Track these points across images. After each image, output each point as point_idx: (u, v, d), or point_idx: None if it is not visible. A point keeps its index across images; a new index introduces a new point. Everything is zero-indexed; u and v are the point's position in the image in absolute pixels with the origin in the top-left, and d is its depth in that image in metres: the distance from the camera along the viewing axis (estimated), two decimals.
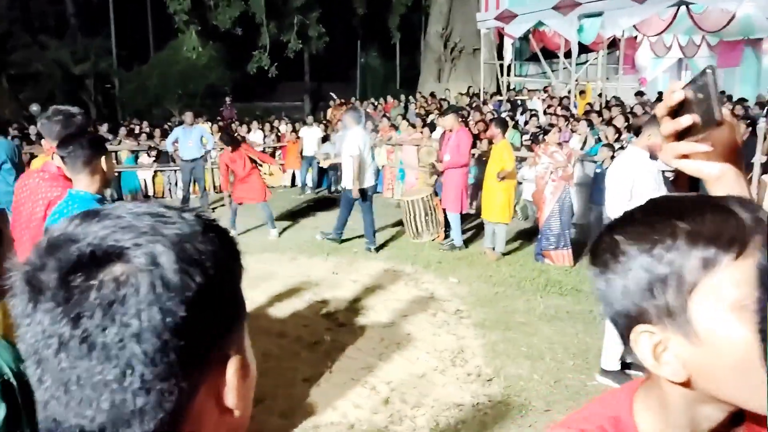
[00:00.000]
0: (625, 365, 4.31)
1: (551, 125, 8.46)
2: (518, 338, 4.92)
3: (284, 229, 8.75)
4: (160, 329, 0.51)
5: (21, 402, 1.45)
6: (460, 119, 8.18)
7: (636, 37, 15.92)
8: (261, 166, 8.64)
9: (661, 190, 3.96)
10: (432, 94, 17.59)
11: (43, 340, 0.52)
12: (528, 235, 8.28)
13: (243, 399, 0.59)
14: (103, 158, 2.61)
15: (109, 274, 0.51)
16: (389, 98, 17.76)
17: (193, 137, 10.37)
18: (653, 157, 3.96)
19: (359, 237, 8.29)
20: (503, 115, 11.73)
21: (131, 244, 0.53)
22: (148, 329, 0.51)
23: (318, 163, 12.09)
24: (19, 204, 3.12)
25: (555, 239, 6.98)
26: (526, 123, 11.26)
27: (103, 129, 13.59)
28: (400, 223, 8.58)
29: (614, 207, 3.96)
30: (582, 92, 14.15)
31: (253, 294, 5.93)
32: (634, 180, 3.93)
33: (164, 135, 12.44)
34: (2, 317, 2.08)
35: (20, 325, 0.53)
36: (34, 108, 18.82)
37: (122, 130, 13.19)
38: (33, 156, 10.37)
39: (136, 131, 13.48)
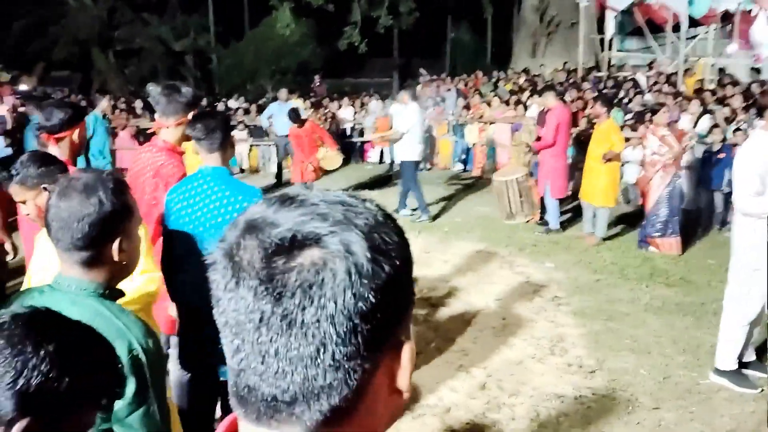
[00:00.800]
0: (742, 365, 3.98)
1: (659, 104, 7.90)
2: (622, 329, 4.65)
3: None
4: (352, 313, 0.54)
5: (149, 376, 1.45)
6: (559, 97, 7.78)
7: (751, 11, 14.64)
8: (322, 146, 8.63)
9: None
10: (525, 70, 17.00)
11: (245, 314, 0.56)
12: (630, 219, 7.85)
13: (409, 382, 0.63)
14: (233, 136, 2.71)
15: (309, 258, 0.55)
16: (479, 74, 17.31)
17: (286, 112, 10.51)
18: None
19: (450, 217, 8.18)
20: (604, 92, 11.13)
21: (328, 232, 0.56)
22: (342, 312, 0.54)
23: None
24: (136, 176, 3.21)
25: (662, 225, 6.54)
26: (630, 101, 10.63)
27: (202, 104, 14.08)
28: (491, 202, 8.34)
29: (744, 200, 3.60)
30: (687, 70, 13.20)
31: None
32: (766, 168, 3.54)
33: (260, 111, 12.73)
34: (144, 294, 2.13)
35: (221, 299, 0.58)
36: (151, 88, 19.83)
37: (220, 106, 13.61)
38: (139, 129, 10.93)
39: (232, 106, 13.87)
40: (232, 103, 14.85)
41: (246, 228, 0.58)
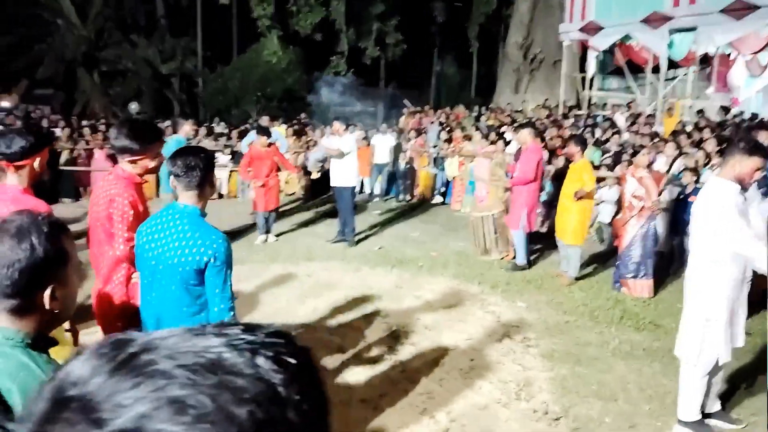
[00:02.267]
0: (705, 415, 3.95)
1: (639, 146, 8.01)
2: (589, 374, 4.61)
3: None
4: None
5: None
6: (536, 135, 7.84)
7: (729, 55, 15.02)
8: (279, 172, 8.60)
9: (751, 225, 3.57)
10: (505, 107, 17.21)
11: None
12: (602, 259, 7.88)
13: None
14: (213, 176, 2.65)
15: None
16: (461, 107, 17.50)
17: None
18: (744, 188, 3.58)
19: (426, 251, 8.15)
20: (583, 131, 11.27)
21: None
22: None
23: (387, 170, 12.02)
24: (94, 201, 3.17)
25: (635, 267, 6.56)
26: (606, 140, 10.76)
27: (186, 128, 14.02)
28: (467, 238, 8.34)
29: (698, 244, 3.60)
30: (669, 109, 13.43)
31: (316, 302, 5.88)
32: (720, 216, 3.53)
33: (241, 136, 12.70)
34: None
35: None
36: (133, 107, 19.75)
37: (202, 130, 13.56)
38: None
39: (216, 131, 13.83)
40: (218, 128, 14.81)
41: (56, 405, 0.41)
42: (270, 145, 8.48)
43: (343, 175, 8.32)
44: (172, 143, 7.46)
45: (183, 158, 2.56)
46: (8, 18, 20.14)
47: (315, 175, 9.67)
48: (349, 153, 8.20)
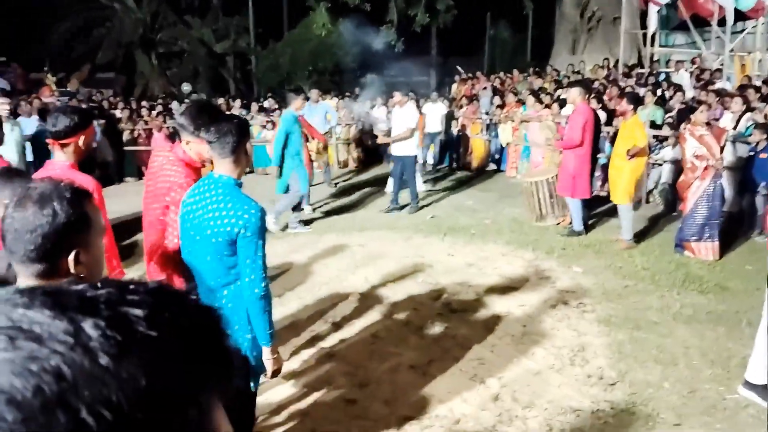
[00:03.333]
0: None
1: (700, 102, 7.57)
2: (649, 339, 4.44)
3: (402, 207, 8.61)
4: None
5: None
6: (587, 94, 7.47)
7: None
8: (310, 141, 8.54)
9: None
10: (564, 68, 16.61)
11: None
12: (666, 222, 7.56)
13: None
14: (247, 143, 2.63)
15: None
16: (515, 72, 16.98)
17: (318, 113, 10.53)
18: None
19: (479, 218, 8.04)
20: (644, 89, 10.75)
21: None
22: None
23: (440, 139, 11.86)
24: (149, 178, 3.24)
25: (699, 229, 6.25)
26: (670, 98, 10.24)
27: (236, 105, 14.25)
28: (522, 204, 8.15)
29: None
30: (743, 66, 12.63)
31: (366, 272, 5.89)
32: None
33: None
34: None
35: None
36: (186, 87, 20.19)
37: (254, 106, 13.74)
38: (175, 130, 11.11)
39: (267, 106, 13.97)
40: (267, 104, 14.96)
41: None
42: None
43: (405, 145, 8.34)
44: (287, 119, 7.59)
45: (216, 125, 2.56)
46: (67, 4, 20.82)
47: (382, 140, 9.42)
48: (415, 126, 8.26)
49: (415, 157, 8.50)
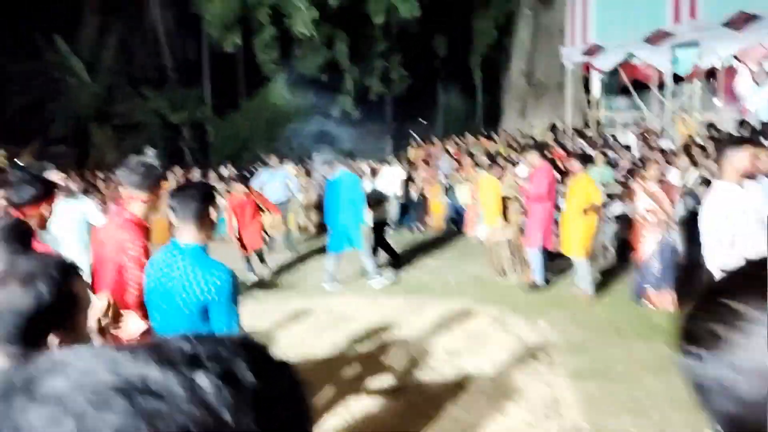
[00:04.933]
0: None
1: (647, 160, 7.95)
2: (619, 390, 4.47)
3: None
4: None
5: None
6: (542, 156, 7.78)
7: (735, 66, 15.02)
8: (264, 213, 8.71)
9: (764, 230, 3.45)
10: (513, 132, 17.24)
11: None
12: (623, 274, 7.74)
13: None
14: (211, 208, 2.59)
15: None
16: (468, 136, 17.55)
17: (277, 180, 10.59)
18: (752, 178, 3.48)
19: (443, 277, 8.07)
20: (594, 151, 11.22)
21: None
22: None
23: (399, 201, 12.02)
24: (99, 248, 3.16)
25: (656, 280, 6.44)
26: (619, 158, 10.70)
27: (196, 174, 14.21)
28: (484, 262, 8.24)
29: (714, 258, 3.46)
30: (683, 123, 13.36)
31: (334, 336, 5.80)
32: (733, 221, 3.41)
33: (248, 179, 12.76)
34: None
35: None
36: (150, 153, 20.04)
37: (212, 174, 13.71)
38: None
39: (225, 175, 13.96)
40: (224, 171, 14.96)
41: None
42: (248, 190, 8.61)
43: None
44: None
45: (179, 191, 2.53)
46: (20, 78, 20.69)
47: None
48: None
49: (386, 222, 8.48)
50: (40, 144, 20.36)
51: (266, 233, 9.07)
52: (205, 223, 2.54)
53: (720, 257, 3.40)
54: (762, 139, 7.88)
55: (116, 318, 2.52)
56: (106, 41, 23.37)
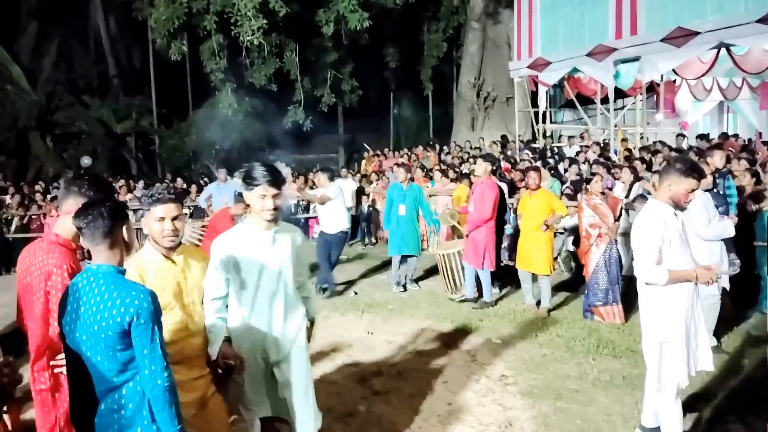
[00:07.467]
0: None
1: (592, 174, 8.11)
2: (572, 409, 4.48)
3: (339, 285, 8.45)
4: None
5: None
6: (491, 168, 7.75)
7: (675, 81, 15.59)
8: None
9: (686, 252, 3.52)
10: (463, 144, 17.43)
11: None
12: (573, 288, 7.85)
13: None
14: (124, 227, 2.41)
15: None
16: (420, 148, 17.66)
17: (227, 193, 10.34)
18: (680, 208, 3.54)
19: (395, 293, 8.01)
20: (540, 163, 11.40)
21: None
22: None
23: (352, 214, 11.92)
24: (24, 273, 2.95)
25: (603, 294, 6.54)
26: (565, 171, 10.91)
27: (140, 186, 13.78)
28: (437, 277, 8.22)
29: (644, 272, 3.50)
30: (624, 139, 13.76)
31: None
32: (662, 240, 3.46)
33: (200, 191, 12.49)
34: None
35: None
36: (86, 161, 19.24)
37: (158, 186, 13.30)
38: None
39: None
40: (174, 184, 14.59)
41: None
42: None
43: (335, 222, 8.12)
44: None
45: (85, 210, 2.35)
46: None
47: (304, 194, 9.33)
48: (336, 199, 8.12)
49: (346, 233, 8.30)
50: None
51: None
52: (117, 242, 2.38)
53: (646, 274, 3.45)
54: (700, 154, 8.15)
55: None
56: (46, 48, 22.54)
